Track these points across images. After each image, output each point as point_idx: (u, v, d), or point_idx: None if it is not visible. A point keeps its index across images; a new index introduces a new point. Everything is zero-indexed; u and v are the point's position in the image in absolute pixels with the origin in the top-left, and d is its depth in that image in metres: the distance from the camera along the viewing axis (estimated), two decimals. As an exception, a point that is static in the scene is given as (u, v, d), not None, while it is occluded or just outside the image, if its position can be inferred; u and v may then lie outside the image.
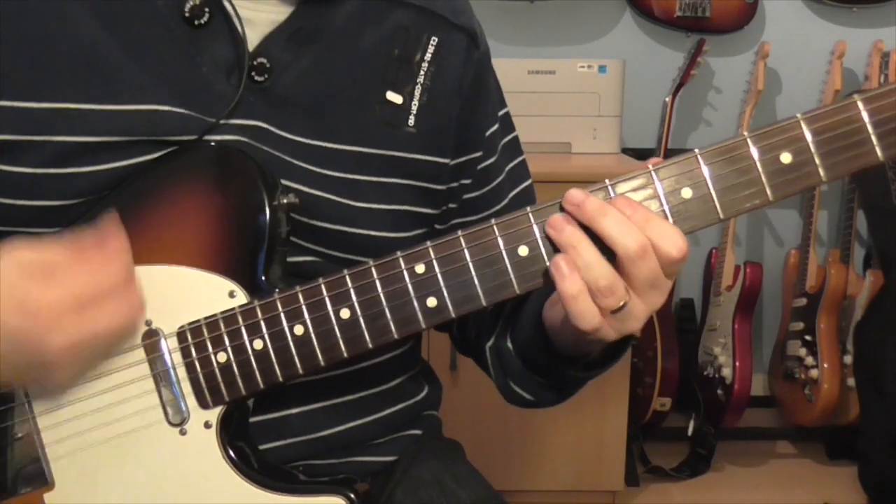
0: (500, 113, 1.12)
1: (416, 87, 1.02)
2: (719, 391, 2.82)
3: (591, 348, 0.93)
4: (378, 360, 1.06)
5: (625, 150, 2.74)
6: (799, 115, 0.82)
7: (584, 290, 0.82)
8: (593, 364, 0.97)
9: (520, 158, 1.15)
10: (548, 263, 0.85)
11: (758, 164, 0.83)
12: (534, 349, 1.00)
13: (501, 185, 1.11)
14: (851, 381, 2.75)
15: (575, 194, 0.84)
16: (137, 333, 0.90)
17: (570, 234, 0.83)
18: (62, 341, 0.82)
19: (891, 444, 2.53)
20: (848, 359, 2.77)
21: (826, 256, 2.94)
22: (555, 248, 0.85)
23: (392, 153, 1.01)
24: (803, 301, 2.87)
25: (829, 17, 2.97)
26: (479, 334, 1.12)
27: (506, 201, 1.12)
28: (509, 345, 1.06)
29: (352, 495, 0.92)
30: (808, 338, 2.82)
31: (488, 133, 1.09)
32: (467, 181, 1.08)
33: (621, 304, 0.83)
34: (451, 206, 1.08)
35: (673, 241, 0.82)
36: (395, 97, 1.01)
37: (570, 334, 0.89)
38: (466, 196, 1.09)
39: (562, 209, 0.85)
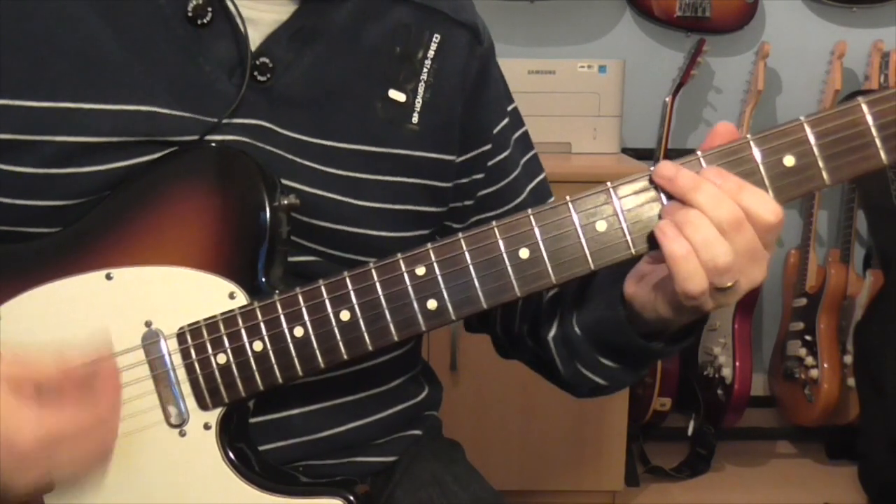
0: (510, 108, 1.12)
1: (420, 84, 1.02)
2: (719, 391, 2.81)
3: (673, 324, 0.92)
4: (378, 361, 1.06)
5: (625, 150, 2.74)
6: (802, 118, 0.82)
7: (691, 251, 0.81)
8: (672, 339, 0.96)
9: (532, 152, 1.15)
10: (548, 265, 0.85)
11: (761, 167, 0.83)
12: (608, 330, 0.98)
13: (518, 179, 1.11)
14: (851, 381, 2.75)
15: (667, 167, 0.83)
16: (109, 457, 0.90)
17: (683, 214, 0.82)
18: (31, 480, 0.82)
19: (891, 444, 2.53)
20: (848, 359, 2.77)
21: (826, 256, 2.94)
22: (555, 250, 0.85)
23: (396, 151, 1.01)
24: (803, 301, 2.87)
25: (829, 17, 2.97)
26: (535, 325, 1.09)
27: (524, 195, 1.11)
28: (577, 330, 1.03)
29: (351, 497, 0.92)
30: (808, 338, 2.82)
31: (498, 128, 1.09)
32: (479, 176, 1.08)
33: (733, 282, 0.82)
34: (467, 203, 1.08)
35: (768, 207, 0.81)
36: (397, 95, 1.01)
37: (662, 307, 0.88)
38: (482, 192, 1.08)
39: (651, 182, 0.84)
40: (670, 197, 0.84)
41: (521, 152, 1.12)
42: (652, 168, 0.84)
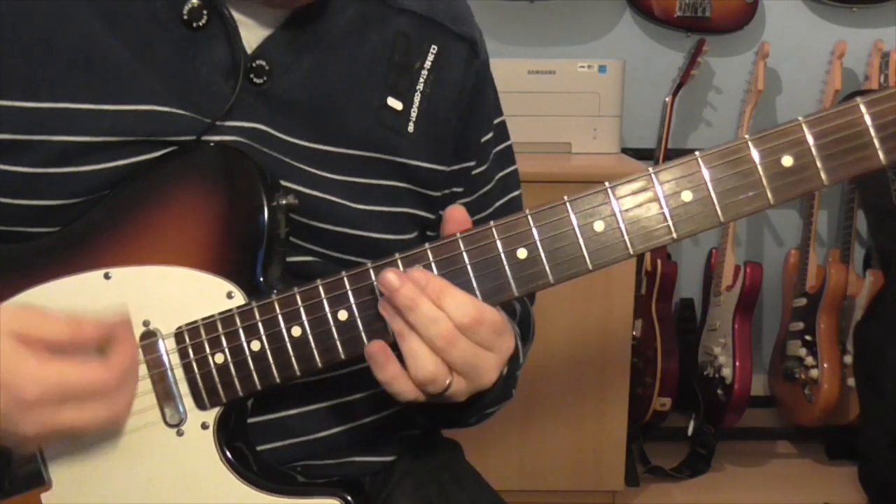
0: (496, 121, 1.12)
1: (416, 94, 1.02)
2: (719, 391, 2.81)
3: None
4: (377, 362, 1.06)
5: (625, 150, 2.74)
6: (801, 118, 0.82)
7: (401, 374, 0.84)
8: (489, 402, 0.98)
9: (511, 168, 1.15)
10: (546, 265, 0.85)
11: (759, 168, 0.82)
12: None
13: (489, 193, 1.11)
14: (851, 381, 2.74)
15: (390, 281, 0.84)
16: (120, 425, 0.89)
17: (399, 325, 0.85)
18: (33, 429, 0.82)
19: (891, 444, 2.52)
20: (848, 359, 2.77)
21: (826, 256, 2.94)
22: (553, 250, 0.85)
23: (392, 158, 1.01)
24: (803, 301, 2.86)
25: (829, 17, 2.96)
26: None
27: (490, 210, 1.11)
28: None
29: (349, 497, 0.92)
30: (808, 338, 2.82)
31: (482, 141, 1.09)
32: (459, 189, 1.08)
33: (445, 386, 0.85)
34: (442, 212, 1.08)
35: (461, 310, 0.84)
36: (395, 103, 1.01)
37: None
38: (457, 202, 1.08)
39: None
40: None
41: (498, 167, 1.13)
42: (650, 170, 0.84)
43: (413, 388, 0.85)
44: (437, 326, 0.83)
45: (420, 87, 1.02)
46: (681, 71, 2.84)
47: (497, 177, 1.12)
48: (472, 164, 1.08)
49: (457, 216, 0.88)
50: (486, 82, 1.09)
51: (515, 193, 1.15)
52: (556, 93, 2.60)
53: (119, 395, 0.86)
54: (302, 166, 0.97)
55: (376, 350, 0.85)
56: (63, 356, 0.82)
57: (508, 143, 1.15)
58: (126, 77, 0.92)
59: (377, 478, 1.10)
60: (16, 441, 0.84)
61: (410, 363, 0.84)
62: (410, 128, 1.02)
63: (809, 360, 2.80)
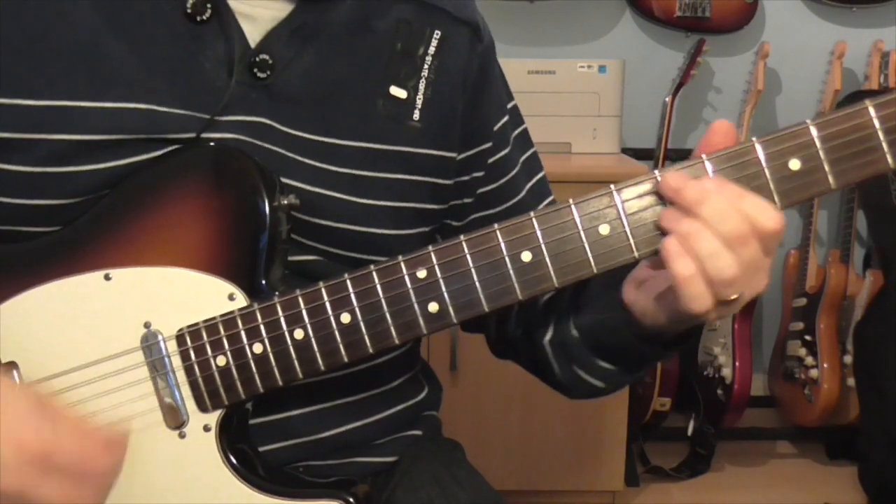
0: (510, 105, 1.12)
1: (420, 81, 1.01)
2: (719, 391, 2.81)
3: (671, 330, 0.91)
4: (378, 362, 1.05)
5: (625, 150, 2.73)
6: (808, 121, 0.81)
7: (697, 272, 0.80)
8: (671, 342, 0.95)
9: (532, 150, 1.14)
10: (551, 269, 0.85)
11: (766, 171, 0.82)
12: (605, 333, 0.98)
13: (517, 177, 1.11)
14: (851, 381, 2.75)
15: (674, 178, 0.82)
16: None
17: (688, 225, 0.81)
18: (14, 484, 0.79)
19: (891, 444, 2.53)
20: (848, 359, 2.77)
21: (826, 256, 2.94)
22: (558, 253, 0.84)
23: (397, 148, 1.01)
24: (803, 301, 2.86)
25: (829, 17, 2.96)
26: (530, 330, 1.09)
27: (523, 193, 1.11)
28: (574, 333, 1.03)
29: (350, 498, 0.92)
30: (808, 338, 2.82)
31: (498, 125, 1.09)
32: (479, 174, 1.08)
33: (738, 294, 0.81)
34: (466, 200, 1.08)
35: (768, 215, 0.80)
36: (398, 92, 1.00)
37: (663, 318, 0.88)
38: (481, 190, 1.08)
39: (657, 194, 0.83)
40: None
41: (520, 150, 1.12)
42: (656, 172, 0.83)
43: (709, 294, 0.80)
44: (732, 220, 0.79)
45: (425, 73, 1.02)
46: (681, 71, 2.83)
47: (521, 160, 1.12)
48: (488, 146, 1.07)
49: (721, 129, 0.84)
50: (492, 66, 1.09)
51: (541, 174, 1.14)
52: (556, 93, 2.59)
53: (99, 487, 0.85)
54: (306, 160, 0.96)
55: (673, 241, 0.80)
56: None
57: (524, 126, 1.14)
58: (126, 74, 0.92)
59: (378, 478, 1.10)
60: None
61: (710, 265, 0.79)
62: (416, 116, 1.01)
63: (809, 360, 2.80)
